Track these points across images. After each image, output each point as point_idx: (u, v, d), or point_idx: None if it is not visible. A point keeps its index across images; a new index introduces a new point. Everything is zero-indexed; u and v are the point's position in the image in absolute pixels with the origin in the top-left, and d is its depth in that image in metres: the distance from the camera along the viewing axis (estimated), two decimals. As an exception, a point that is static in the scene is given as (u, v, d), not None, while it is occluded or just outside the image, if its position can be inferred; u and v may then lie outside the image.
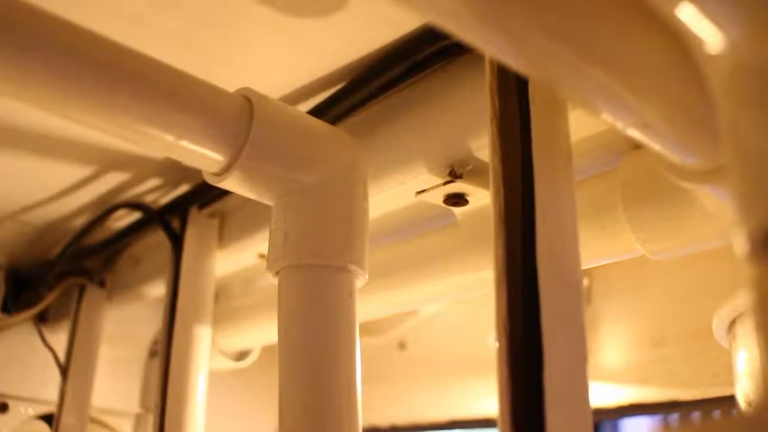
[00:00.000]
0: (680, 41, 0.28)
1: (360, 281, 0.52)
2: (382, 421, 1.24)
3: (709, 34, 0.26)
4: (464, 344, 1.14)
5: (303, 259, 0.50)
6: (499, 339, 0.40)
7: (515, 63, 0.34)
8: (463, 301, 1.13)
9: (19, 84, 0.43)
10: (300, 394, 0.49)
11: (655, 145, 0.38)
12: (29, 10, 0.43)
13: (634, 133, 0.37)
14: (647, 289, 0.96)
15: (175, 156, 0.48)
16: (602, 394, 0.96)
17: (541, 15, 0.30)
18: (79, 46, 0.44)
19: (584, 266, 0.58)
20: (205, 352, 0.81)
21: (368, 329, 1.20)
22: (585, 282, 0.98)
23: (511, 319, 0.40)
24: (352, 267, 0.51)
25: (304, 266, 0.50)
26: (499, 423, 0.40)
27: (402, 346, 1.23)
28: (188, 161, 0.49)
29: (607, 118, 0.36)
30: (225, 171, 0.49)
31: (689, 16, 0.26)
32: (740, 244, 0.25)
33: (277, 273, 0.51)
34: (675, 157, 0.40)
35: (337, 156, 0.53)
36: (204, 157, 0.48)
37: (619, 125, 0.37)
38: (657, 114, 0.35)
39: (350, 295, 0.50)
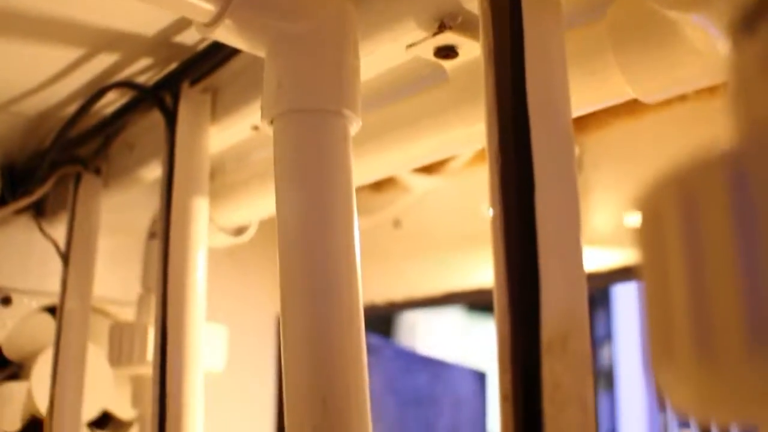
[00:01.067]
0: None
1: (354, 127, 0.53)
2: (379, 298, 1.27)
3: None
4: (458, 219, 1.16)
5: (297, 104, 0.51)
6: (491, 173, 0.41)
7: None
8: (457, 178, 1.15)
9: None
10: (299, 244, 0.51)
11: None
12: None
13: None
14: (638, 157, 0.97)
15: (168, 7, 0.48)
16: (594, 260, 0.99)
17: None
18: None
19: (575, 114, 0.59)
20: (204, 229, 0.83)
21: (362, 209, 1.21)
22: (576, 150, 0.99)
23: (504, 156, 0.41)
24: (346, 111, 0.52)
25: (298, 111, 0.51)
26: (495, 288, 0.41)
27: (396, 224, 1.26)
28: (180, 11, 0.49)
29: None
30: (215, 21, 0.50)
31: None
32: (724, 30, 0.26)
33: (271, 122, 0.53)
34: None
35: (327, 6, 0.53)
36: (195, 7, 0.48)
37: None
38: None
39: (345, 139, 0.52)
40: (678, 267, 0.21)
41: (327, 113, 0.51)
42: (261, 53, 0.54)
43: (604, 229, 0.98)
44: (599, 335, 6.32)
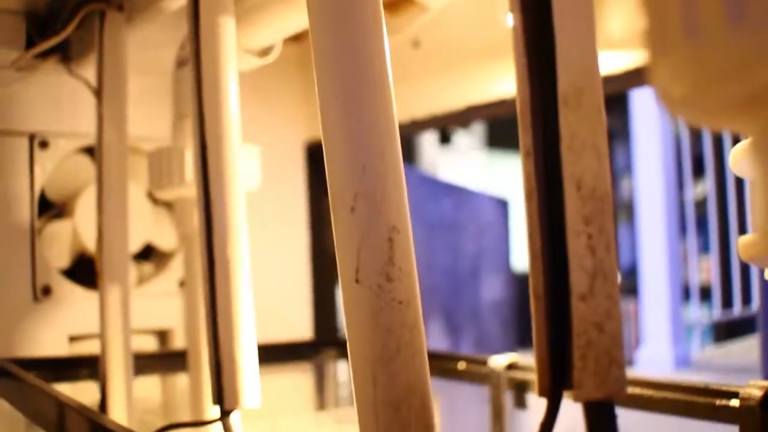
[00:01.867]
0: None
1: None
2: (403, 116, 1.31)
3: None
4: (476, 33, 1.18)
5: None
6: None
7: None
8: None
9: None
10: (331, 42, 0.53)
11: None
12: None
13: None
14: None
15: None
16: (610, 62, 1.01)
17: None
18: None
19: None
20: (233, 51, 0.85)
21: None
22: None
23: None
24: None
25: None
26: (514, 53, 0.45)
27: (416, 44, 1.28)
28: None
29: None
30: None
31: None
32: None
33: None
34: None
35: None
36: None
37: None
38: None
39: None
40: None
41: None
42: None
43: (620, 32, 1.00)
44: (619, 167, 6.35)
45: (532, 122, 0.42)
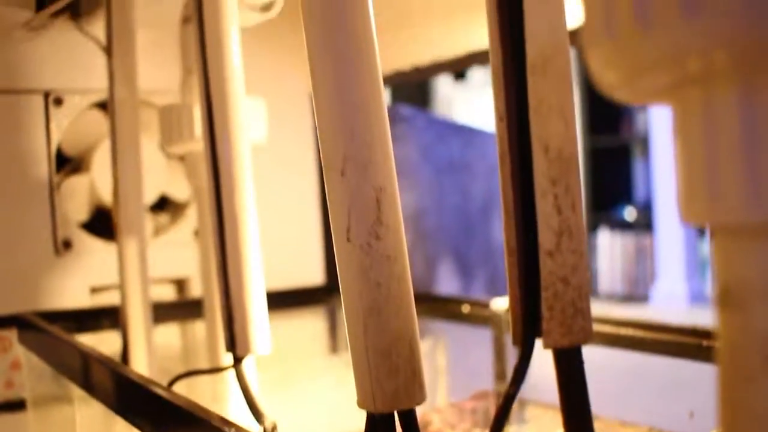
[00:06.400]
0: None
1: None
2: (404, 64, 1.33)
3: None
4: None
5: None
6: None
7: None
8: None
9: None
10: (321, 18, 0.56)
11: None
12: None
13: None
14: None
15: None
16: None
17: None
18: None
19: None
20: (234, 7, 0.88)
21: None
22: None
23: None
24: None
25: None
26: (488, 25, 0.47)
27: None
28: None
29: None
30: None
31: None
32: None
33: None
34: None
35: None
36: None
37: None
38: None
39: None
40: None
41: None
42: None
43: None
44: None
45: (505, 88, 0.45)
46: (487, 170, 2.04)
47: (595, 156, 5.91)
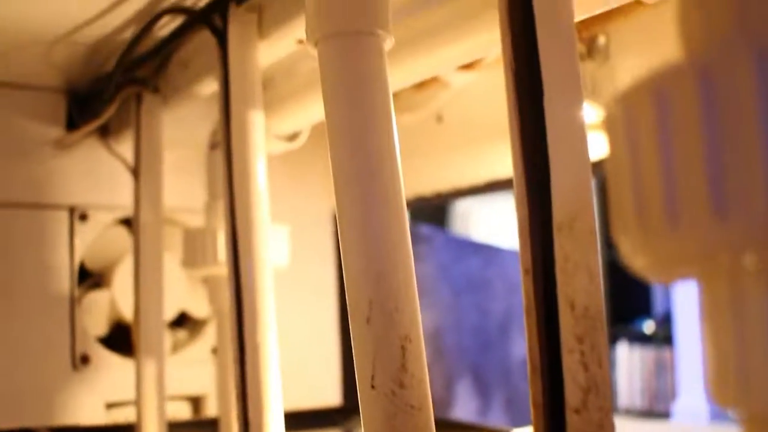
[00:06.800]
0: None
1: (387, 44, 0.61)
2: (427, 189, 1.35)
3: None
4: (496, 110, 1.21)
5: (335, 28, 0.59)
6: (506, 73, 0.48)
7: None
8: (492, 71, 1.20)
9: None
10: (347, 148, 0.58)
11: None
12: None
13: None
14: (661, 43, 1.01)
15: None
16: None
17: None
18: None
19: (585, 15, 0.65)
20: (261, 137, 0.90)
21: (405, 106, 1.28)
22: (602, 40, 1.04)
23: (516, 58, 0.48)
24: (379, 31, 0.59)
25: (337, 35, 0.59)
26: (514, 180, 0.48)
27: (439, 119, 1.32)
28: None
29: None
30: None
31: None
32: None
33: (316, 44, 0.60)
34: None
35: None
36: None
37: None
38: None
39: (380, 55, 0.60)
40: (650, 148, 0.28)
41: (362, 34, 0.59)
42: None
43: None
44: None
45: (531, 243, 0.46)
46: (506, 288, 2.03)
47: (613, 268, 5.89)
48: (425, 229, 1.88)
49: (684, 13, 0.30)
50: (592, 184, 0.47)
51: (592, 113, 1.00)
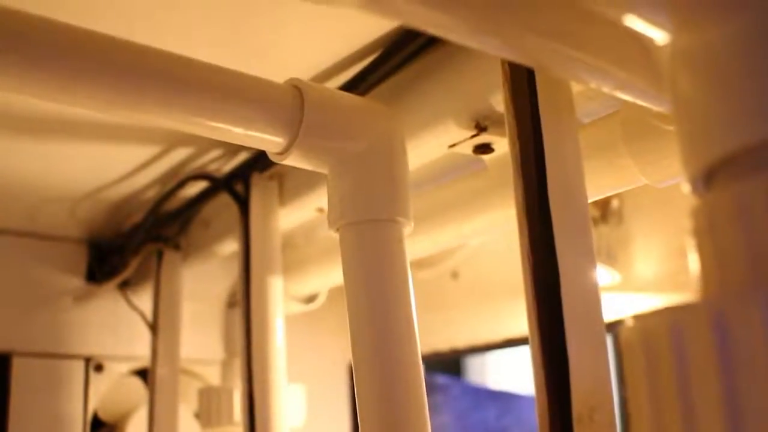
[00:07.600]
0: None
1: (407, 229, 0.63)
2: (443, 345, 1.35)
3: (650, 32, 0.34)
4: (513, 269, 1.23)
5: (358, 216, 0.61)
6: (523, 263, 0.49)
7: (511, 56, 0.42)
8: (509, 230, 1.22)
9: (104, 101, 0.53)
10: (366, 328, 0.60)
11: (637, 100, 0.47)
12: (83, 35, 0.52)
13: (617, 93, 0.46)
14: (674, 205, 1.03)
15: (244, 143, 0.58)
16: (638, 304, 1.05)
17: (527, 19, 0.39)
18: (148, 63, 0.53)
19: (600, 196, 0.67)
20: (280, 299, 0.91)
21: (423, 263, 1.30)
22: (615, 203, 1.06)
23: (533, 247, 0.50)
24: (400, 218, 0.62)
25: (360, 222, 0.61)
26: (532, 371, 0.49)
27: (455, 275, 1.34)
28: (255, 146, 0.59)
29: (593, 84, 0.45)
30: (286, 150, 0.59)
31: (634, 22, 0.34)
32: (685, 182, 0.33)
33: (337, 230, 0.62)
34: (654, 107, 0.48)
35: (377, 125, 0.62)
36: (268, 142, 0.58)
37: (604, 89, 0.45)
38: (627, 75, 0.44)
39: (400, 241, 0.61)
40: (669, 394, 0.28)
41: (384, 222, 0.61)
42: (324, 171, 0.63)
43: (647, 275, 1.04)
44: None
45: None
46: (523, 436, 2.00)
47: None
48: (441, 379, 1.88)
49: (702, 259, 0.30)
50: (612, 378, 0.47)
51: (607, 276, 1.02)
